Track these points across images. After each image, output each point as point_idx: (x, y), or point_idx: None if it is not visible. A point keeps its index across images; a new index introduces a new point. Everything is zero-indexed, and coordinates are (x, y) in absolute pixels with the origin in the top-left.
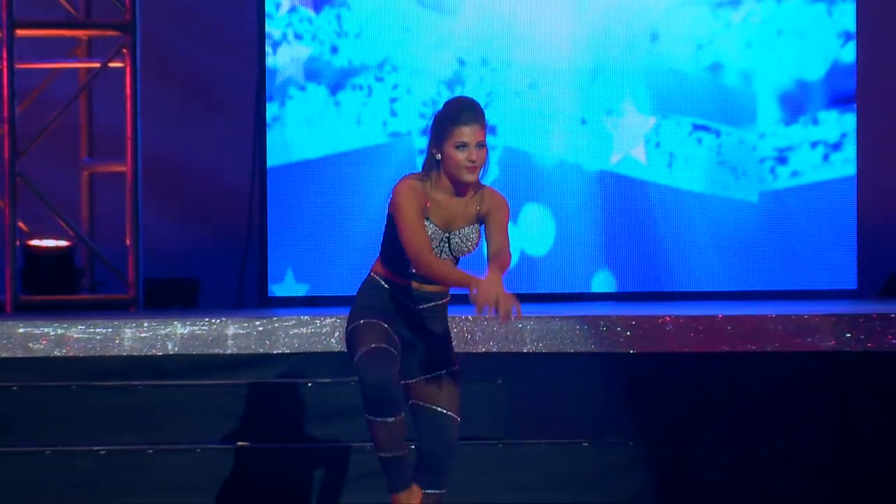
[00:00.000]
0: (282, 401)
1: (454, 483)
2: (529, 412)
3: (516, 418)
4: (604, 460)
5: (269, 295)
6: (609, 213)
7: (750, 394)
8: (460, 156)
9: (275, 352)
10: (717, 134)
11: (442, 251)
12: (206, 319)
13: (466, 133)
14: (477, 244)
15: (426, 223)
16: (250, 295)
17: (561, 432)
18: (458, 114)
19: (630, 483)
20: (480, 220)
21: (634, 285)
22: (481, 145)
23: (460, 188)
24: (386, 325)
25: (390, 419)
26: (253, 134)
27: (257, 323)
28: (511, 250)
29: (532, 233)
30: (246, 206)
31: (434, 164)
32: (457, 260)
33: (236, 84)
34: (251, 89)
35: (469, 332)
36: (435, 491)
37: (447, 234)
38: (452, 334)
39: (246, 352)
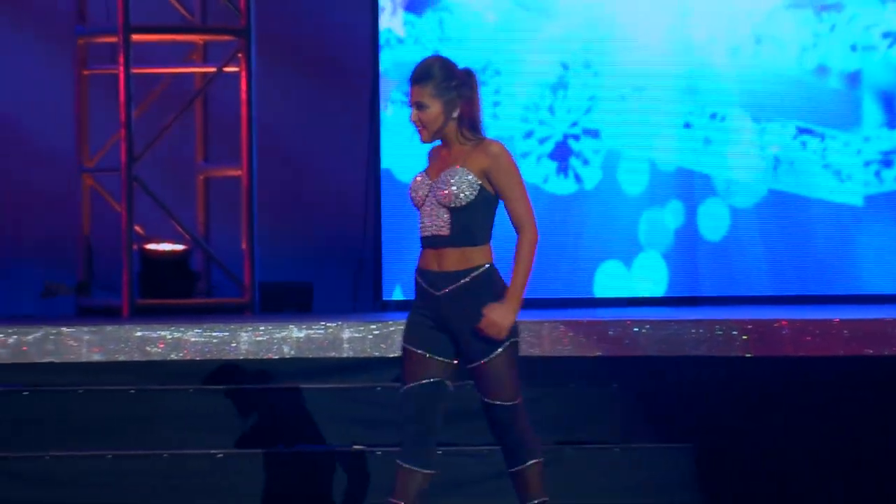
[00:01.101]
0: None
1: (571, 487)
2: (645, 416)
3: (632, 423)
4: (720, 464)
5: (385, 298)
6: (715, 218)
7: (868, 398)
8: (411, 115)
9: (390, 355)
10: (822, 137)
11: (430, 202)
12: (322, 323)
13: (411, 93)
14: (456, 192)
15: (420, 174)
16: (365, 298)
17: (676, 436)
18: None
19: (742, 487)
20: (472, 171)
21: (743, 289)
22: (419, 105)
23: (444, 143)
24: (420, 352)
25: (407, 466)
26: (367, 138)
27: (373, 326)
28: (527, 214)
29: (647, 235)
30: (361, 210)
31: None
32: (450, 211)
33: (350, 89)
34: (365, 94)
35: (585, 336)
36: (520, 467)
37: (431, 183)
38: (568, 338)
39: (362, 355)
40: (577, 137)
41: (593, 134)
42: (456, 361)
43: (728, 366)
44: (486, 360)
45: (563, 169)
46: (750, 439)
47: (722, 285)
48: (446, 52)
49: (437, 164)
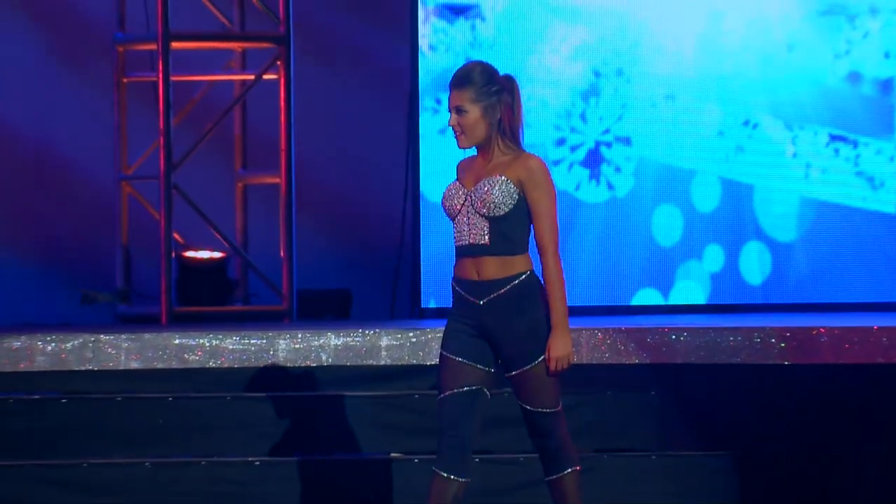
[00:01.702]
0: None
1: (608, 494)
2: (683, 424)
3: (669, 430)
4: (759, 472)
5: (423, 306)
6: (748, 224)
7: None
8: (450, 120)
9: (428, 363)
10: (855, 144)
11: (467, 211)
12: (360, 331)
13: (451, 97)
14: (496, 202)
15: (454, 183)
16: (403, 306)
17: (714, 443)
18: (451, 80)
19: (781, 495)
20: (511, 180)
21: (775, 296)
22: (459, 110)
23: (481, 151)
24: (459, 360)
25: (443, 474)
26: (406, 145)
27: (410, 334)
28: (550, 235)
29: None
30: (399, 217)
31: None
32: (489, 220)
33: (389, 97)
34: (404, 101)
35: (623, 343)
36: (558, 475)
37: (468, 192)
38: (606, 345)
39: (399, 363)
40: (609, 145)
41: (625, 141)
42: (494, 370)
43: (766, 373)
44: (528, 367)
45: (595, 176)
46: (788, 447)
47: (761, 292)
48: (478, 58)
49: (472, 173)
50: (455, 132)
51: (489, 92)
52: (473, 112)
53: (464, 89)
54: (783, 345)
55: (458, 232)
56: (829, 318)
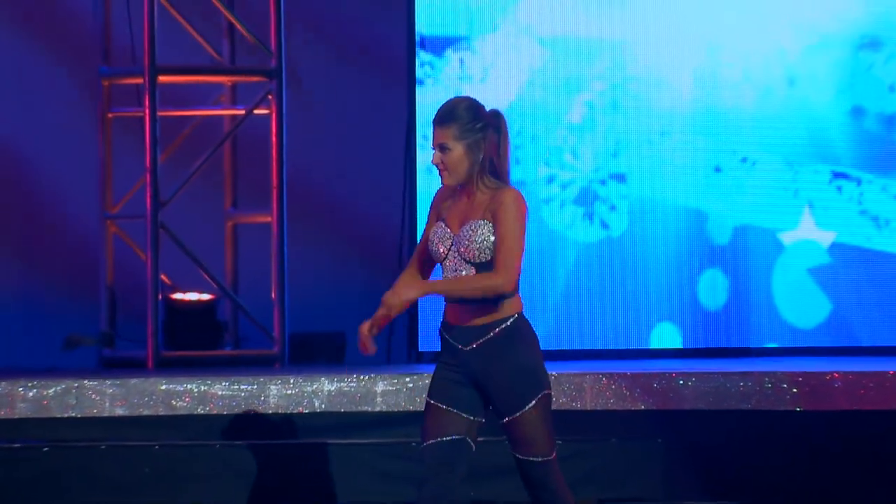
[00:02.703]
0: None
1: None
2: (690, 473)
3: (676, 479)
4: None
5: (420, 350)
6: (746, 265)
7: None
8: (433, 158)
9: None
10: (858, 182)
11: (454, 256)
12: (354, 376)
13: (434, 135)
14: (481, 247)
15: (439, 224)
16: (400, 350)
17: (723, 494)
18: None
19: None
20: (490, 222)
21: (777, 339)
22: (443, 148)
23: (464, 187)
24: (444, 407)
25: None
26: (403, 184)
27: (407, 379)
28: (508, 259)
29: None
30: (395, 258)
31: None
32: (475, 265)
33: (385, 132)
34: (400, 137)
35: (628, 388)
36: None
37: (454, 236)
38: (610, 390)
39: (396, 409)
40: (603, 182)
41: (619, 178)
42: (482, 419)
43: (778, 420)
44: (518, 414)
45: (588, 215)
46: (801, 498)
47: (752, 335)
48: (466, 91)
49: (456, 212)
50: (439, 170)
51: (473, 129)
52: (457, 149)
53: (447, 126)
54: (795, 390)
55: (444, 277)
56: (842, 361)
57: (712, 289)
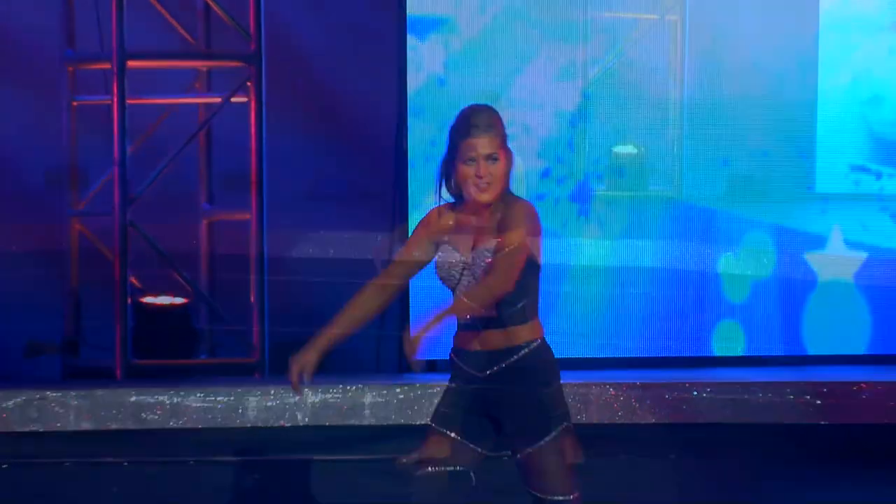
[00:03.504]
0: None
1: None
2: (706, 491)
3: (691, 498)
4: None
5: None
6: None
7: None
8: (469, 171)
9: (418, 422)
10: (878, 175)
11: (468, 282)
12: (341, 386)
13: (478, 145)
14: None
15: (445, 248)
16: (389, 358)
17: None
18: (467, 125)
19: None
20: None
21: (794, 348)
22: (493, 158)
23: (469, 206)
24: (452, 434)
25: None
26: (392, 182)
27: (398, 390)
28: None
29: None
30: (384, 257)
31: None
32: None
33: (369, 127)
34: (388, 135)
35: (637, 400)
36: None
37: (468, 260)
38: (619, 402)
39: (385, 422)
40: (600, 176)
41: (617, 172)
42: (488, 454)
43: (800, 434)
44: (535, 447)
45: (583, 212)
46: None
47: (785, 343)
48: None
49: (465, 234)
50: (480, 184)
51: (507, 138)
52: (503, 160)
53: (492, 135)
54: (819, 402)
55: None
56: (866, 371)
57: (728, 290)
